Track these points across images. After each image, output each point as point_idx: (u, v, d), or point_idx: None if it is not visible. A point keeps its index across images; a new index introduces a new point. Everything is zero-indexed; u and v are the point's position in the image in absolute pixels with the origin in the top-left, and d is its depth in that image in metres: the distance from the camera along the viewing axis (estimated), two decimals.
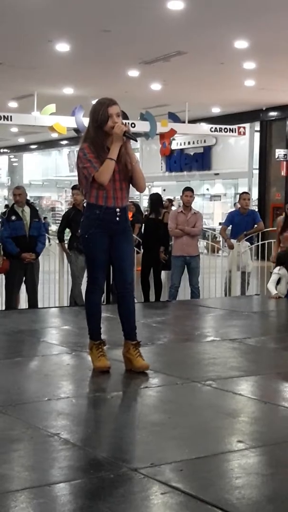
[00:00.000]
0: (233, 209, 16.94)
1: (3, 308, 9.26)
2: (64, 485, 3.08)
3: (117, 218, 5.03)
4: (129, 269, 5.19)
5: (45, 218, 30.56)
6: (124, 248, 5.13)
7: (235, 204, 22.83)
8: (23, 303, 9.65)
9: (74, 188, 10.31)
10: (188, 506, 2.90)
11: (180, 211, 10.34)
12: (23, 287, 9.41)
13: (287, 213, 9.96)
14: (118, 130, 4.92)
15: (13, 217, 9.11)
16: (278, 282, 9.21)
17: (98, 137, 4.96)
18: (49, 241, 12.65)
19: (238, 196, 18.16)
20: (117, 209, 5.03)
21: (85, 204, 5.62)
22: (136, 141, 5.40)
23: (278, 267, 9.24)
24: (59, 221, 11.49)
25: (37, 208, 10.78)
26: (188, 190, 10.40)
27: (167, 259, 10.61)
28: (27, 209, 9.25)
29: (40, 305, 9.47)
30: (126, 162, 5.05)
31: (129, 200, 14.60)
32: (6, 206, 30.88)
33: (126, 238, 5.17)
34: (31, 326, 7.21)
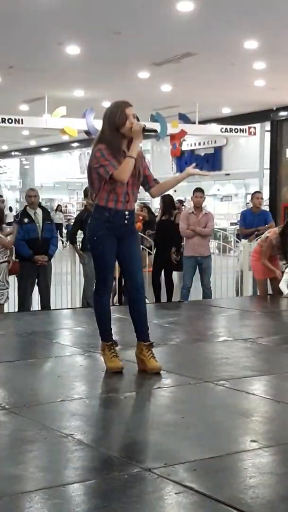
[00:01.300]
0: (245, 208, 16.93)
1: (16, 310, 9.30)
2: (78, 486, 3.10)
3: (126, 221, 5.06)
4: (139, 271, 5.20)
5: (68, 219, 30.59)
6: (132, 250, 5.16)
7: (247, 204, 22.81)
8: (36, 305, 9.68)
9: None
10: (202, 506, 2.91)
11: (191, 212, 10.34)
12: (35, 289, 9.45)
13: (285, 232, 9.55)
14: (137, 127, 4.93)
15: (26, 220, 9.15)
16: None
17: (115, 140, 4.97)
18: (64, 244, 12.68)
19: (248, 196, 18.10)
20: (126, 212, 5.06)
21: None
22: (157, 132, 5.48)
23: None
24: (71, 223, 11.51)
25: (50, 211, 10.79)
26: (199, 191, 10.40)
27: (178, 260, 10.62)
28: (39, 211, 9.28)
29: (52, 307, 9.50)
30: (139, 168, 5.07)
31: (141, 202, 14.42)
32: (10, 208, 30.92)
33: (133, 240, 5.20)
34: (44, 327, 7.24)
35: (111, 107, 5.07)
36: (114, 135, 4.97)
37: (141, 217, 11.77)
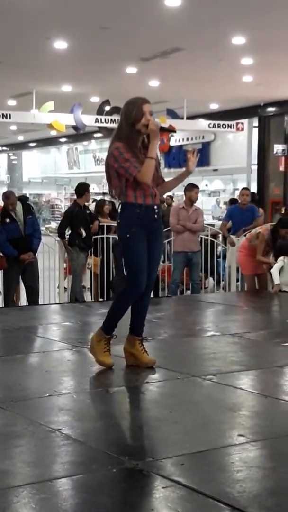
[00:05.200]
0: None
1: (2, 305, 9.28)
2: (66, 480, 3.10)
3: (156, 216, 5.05)
4: (156, 267, 5.21)
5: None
6: (157, 246, 5.14)
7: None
8: (24, 300, 9.66)
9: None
10: (189, 500, 2.92)
11: (181, 207, 10.34)
12: (23, 285, 9.44)
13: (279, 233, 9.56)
14: (154, 126, 4.91)
15: (7, 220, 9.11)
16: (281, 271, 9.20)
17: (133, 136, 4.93)
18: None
19: (236, 192, 18.10)
20: (155, 207, 5.05)
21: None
22: (175, 131, 5.47)
23: (282, 256, 9.19)
24: (58, 218, 11.45)
25: (32, 205, 10.67)
26: (196, 187, 10.46)
27: None
28: (19, 207, 9.20)
29: (40, 302, 9.49)
30: (158, 160, 5.07)
31: (108, 199, 14.23)
32: None
33: (160, 236, 5.20)
34: (31, 322, 7.23)
35: (128, 103, 5.01)
36: (131, 131, 4.93)
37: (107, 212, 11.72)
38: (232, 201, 14.58)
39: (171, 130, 5.36)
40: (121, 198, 5.02)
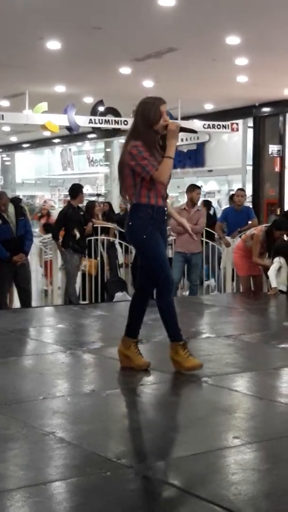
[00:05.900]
0: (227, 205, 16.94)
1: None
2: (60, 483, 3.08)
3: (165, 217, 5.05)
4: None
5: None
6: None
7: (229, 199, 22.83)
8: (17, 302, 9.63)
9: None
10: (184, 503, 2.90)
11: (183, 208, 10.29)
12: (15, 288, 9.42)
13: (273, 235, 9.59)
14: (173, 127, 4.89)
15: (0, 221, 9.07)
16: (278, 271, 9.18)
17: (150, 136, 4.89)
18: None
19: (232, 193, 18.06)
20: (165, 208, 5.04)
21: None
22: (196, 132, 5.48)
23: (278, 257, 9.16)
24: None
25: (23, 206, 10.61)
26: (198, 187, 10.42)
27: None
28: (11, 209, 9.16)
29: (33, 305, 9.46)
30: None
31: (103, 202, 14.26)
32: None
33: (166, 238, 5.22)
34: (25, 325, 7.20)
35: (144, 103, 4.97)
36: (148, 131, 4.89)
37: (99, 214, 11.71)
38: (206, 203, 14.59)
39: (192, 130, 5.29)
40: (134, 199, 4.95)
